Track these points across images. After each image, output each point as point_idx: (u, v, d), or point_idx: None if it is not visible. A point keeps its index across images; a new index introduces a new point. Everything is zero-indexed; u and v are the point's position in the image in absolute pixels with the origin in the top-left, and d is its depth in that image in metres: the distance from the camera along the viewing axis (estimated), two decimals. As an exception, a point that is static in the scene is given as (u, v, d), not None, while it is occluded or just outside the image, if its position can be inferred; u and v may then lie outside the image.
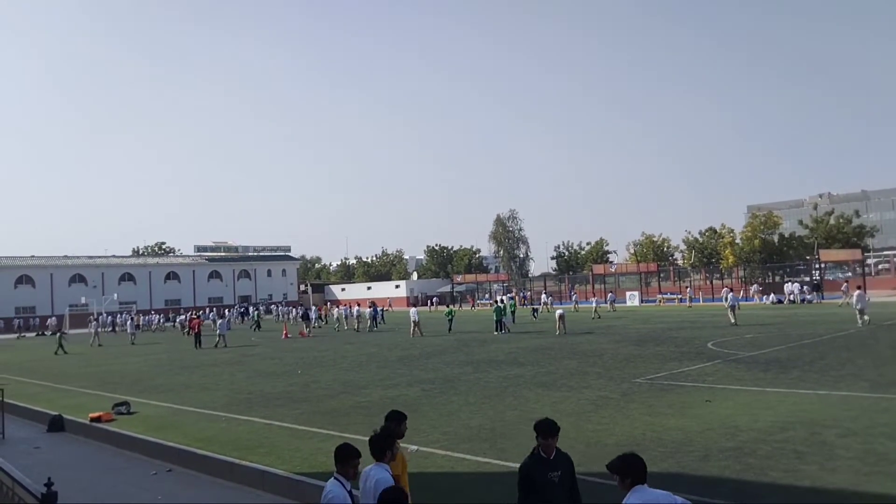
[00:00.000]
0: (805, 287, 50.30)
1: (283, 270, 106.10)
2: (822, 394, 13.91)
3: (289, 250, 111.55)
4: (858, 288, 32.78)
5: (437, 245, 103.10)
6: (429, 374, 20.36)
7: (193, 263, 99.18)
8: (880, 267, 68.84)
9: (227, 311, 72.24)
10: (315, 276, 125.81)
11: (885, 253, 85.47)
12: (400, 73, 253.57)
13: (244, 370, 24.76)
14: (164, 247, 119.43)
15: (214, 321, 57.66)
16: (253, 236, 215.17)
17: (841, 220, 65.17)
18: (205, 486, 10.67)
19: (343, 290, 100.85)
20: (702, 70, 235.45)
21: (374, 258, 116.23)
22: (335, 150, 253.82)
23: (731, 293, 33.27)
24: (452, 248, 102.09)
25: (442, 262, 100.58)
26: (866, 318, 28.59)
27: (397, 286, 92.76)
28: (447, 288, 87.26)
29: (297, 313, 51.27)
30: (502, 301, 39.05)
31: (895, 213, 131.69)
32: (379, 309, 47.85)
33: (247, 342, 39.80)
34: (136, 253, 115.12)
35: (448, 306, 43.98)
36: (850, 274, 62.02)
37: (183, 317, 65.27)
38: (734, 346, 23.27)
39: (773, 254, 65.25)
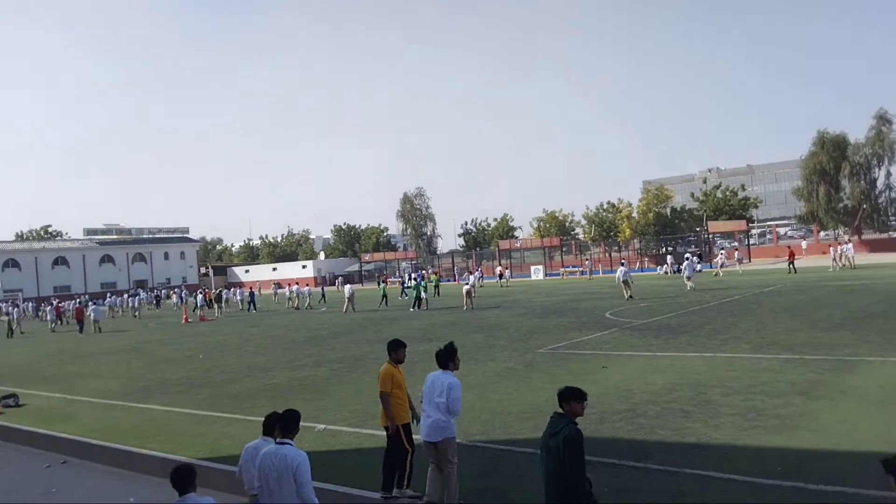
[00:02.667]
0: (694, 257, 53.19)
1: (182, 253, 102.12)
2: (708, 356, 14.84)
3: (187, 232, 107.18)
4: (622, 264, 35.46)
5: (344, 224, 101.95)
6: (337, 354, 20.25)
7: (83, 248, 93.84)
8: (759, 237, 73.60)
9: (106, 297, 68.99)
10: (217, 258, 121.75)
11: (769, 223, 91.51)
12: (306, 50, 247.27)
13: (141, 357, 23.81)
14: (50, 230, 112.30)
15: (124, 305, 55.48)
16: (147, 218, 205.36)
17: (728, 193, 69.08)
18: (102, 476, 10.28)
19: (247, 271, 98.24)
20: (604, 48, 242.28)
21: (280, 238, 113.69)
22: (235, 124, 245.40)
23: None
24: (360, 226, 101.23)
25: (350, 241, 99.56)
26: (628, 293, 30.40)
27: (304, 266, 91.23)
28: (355, 267, 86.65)
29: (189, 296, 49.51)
30: (420, 278, 40.16)
31: (777, 185, 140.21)
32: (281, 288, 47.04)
33: (143, 328, 38.25)
34: (19, 237, 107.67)
35: (381, 283, 43.92)
36: (735, 244, 66.05)
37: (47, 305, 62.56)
38: (629, 314, 24.39)
39: (666, 226, 68.47)
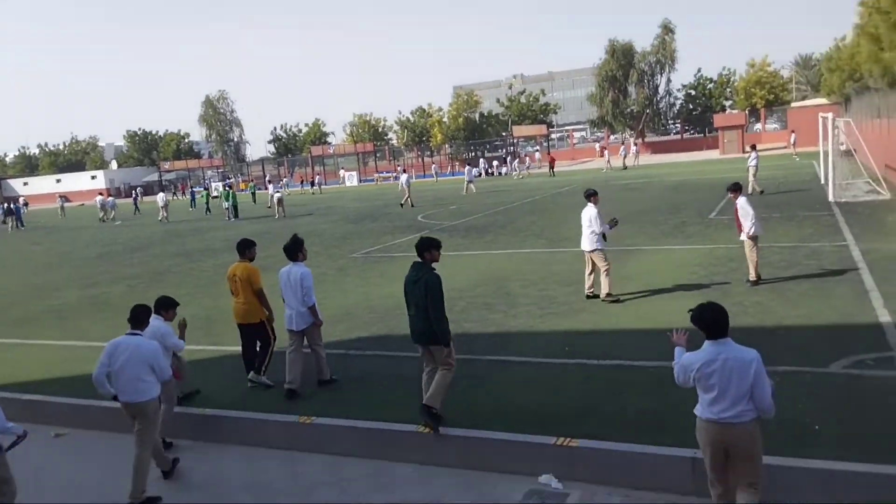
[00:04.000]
0: (496, 161, 55.91)
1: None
2: (510, 252, 15.80)
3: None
4: (404, 171, 38.36)
5: (139, 130, 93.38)
6: (135, 270, 18.93)
7: None
8: (559, 141, 78.45)
9: None
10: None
11: (567, 128, 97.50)
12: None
13: None
14: None
15: None
16: None
17: (530, 99, 72.28)
18: None
19: (25, 184, 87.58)
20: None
21: (63, 146, 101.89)
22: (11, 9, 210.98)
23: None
24: (158, 132, 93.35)
25: (147, 148, 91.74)
26: (407, 200, 30.90)
27: (94, 177, 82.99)
28: (154, 177, 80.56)
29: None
30: (229, 187, 38.73)
31: (574, 91, 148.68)
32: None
33: None
34: None
35: (205, 191, 41.59)
36: (537, 148, 69.90)
37: None
38: (440, 217, 25.19)
39: (475, 131, 70.59)
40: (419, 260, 6.50)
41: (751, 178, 22.78)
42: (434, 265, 6.51)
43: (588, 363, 7.78)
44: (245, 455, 6.83)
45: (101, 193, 47.07)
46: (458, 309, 10.73)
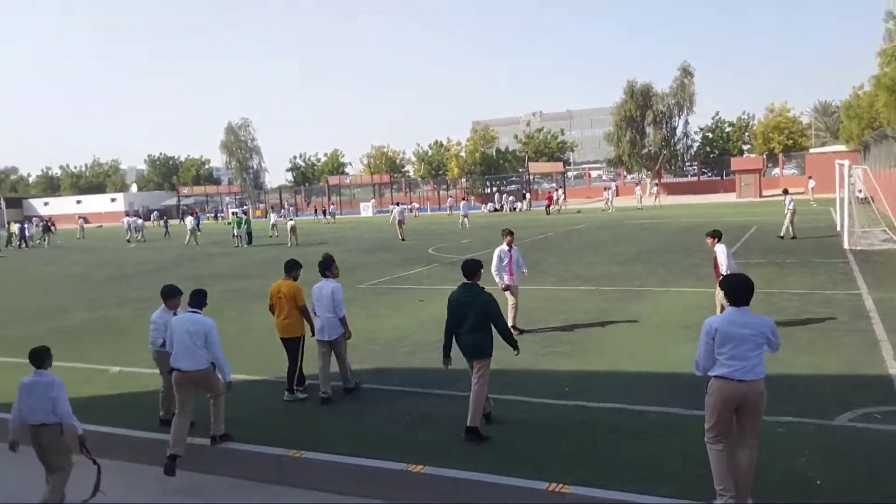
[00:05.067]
0: (513, 197, 55.94)
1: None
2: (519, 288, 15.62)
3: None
4: (398, 204, 38.83)
5: (160, 154, 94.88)
6: (144, 293, 18.93)
7: None
8: (576, 179, 78.50)
9: None
10: (10, 189, 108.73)
11: (584, 166, 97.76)
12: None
13: None
14: None
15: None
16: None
17: (549, 137, 72.61)
18: None
19: (46, 204, 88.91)
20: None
21: (84, 168, 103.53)
22: (40, 36, 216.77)
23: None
24: (179, 157, 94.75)
25: (167, 173, 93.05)
26: (401, 234, 31.58)
27: (113, 199, 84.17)
28: (173, 201, 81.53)
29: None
30: (244, 213, 39.35)
31: (593, 130, 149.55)
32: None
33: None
34: None
35: (236, 215, 41.45)
36: (554, 185, 69.97)
37: None
38: (451, 251, 25.14)
39: (491, 166, 70.91)
40: (468, 281, 7.21)
41: (787, 221, 22.54)
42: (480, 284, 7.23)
43: (587, 405, 7.60)
44: (232, 488, 6.69)
45: (128, 214, 47.95)
46: (460, 344, 10.59)
